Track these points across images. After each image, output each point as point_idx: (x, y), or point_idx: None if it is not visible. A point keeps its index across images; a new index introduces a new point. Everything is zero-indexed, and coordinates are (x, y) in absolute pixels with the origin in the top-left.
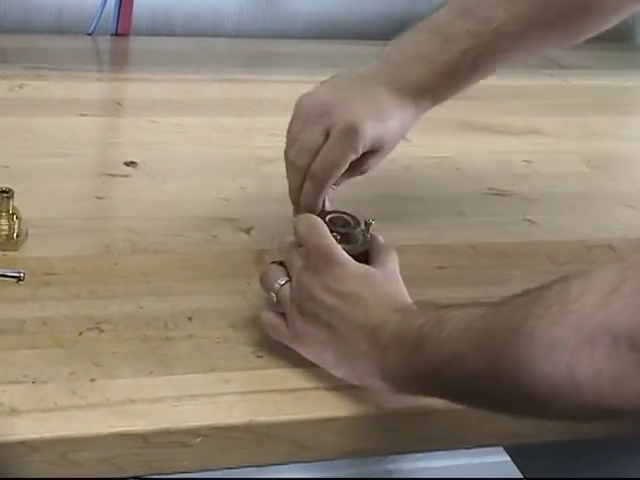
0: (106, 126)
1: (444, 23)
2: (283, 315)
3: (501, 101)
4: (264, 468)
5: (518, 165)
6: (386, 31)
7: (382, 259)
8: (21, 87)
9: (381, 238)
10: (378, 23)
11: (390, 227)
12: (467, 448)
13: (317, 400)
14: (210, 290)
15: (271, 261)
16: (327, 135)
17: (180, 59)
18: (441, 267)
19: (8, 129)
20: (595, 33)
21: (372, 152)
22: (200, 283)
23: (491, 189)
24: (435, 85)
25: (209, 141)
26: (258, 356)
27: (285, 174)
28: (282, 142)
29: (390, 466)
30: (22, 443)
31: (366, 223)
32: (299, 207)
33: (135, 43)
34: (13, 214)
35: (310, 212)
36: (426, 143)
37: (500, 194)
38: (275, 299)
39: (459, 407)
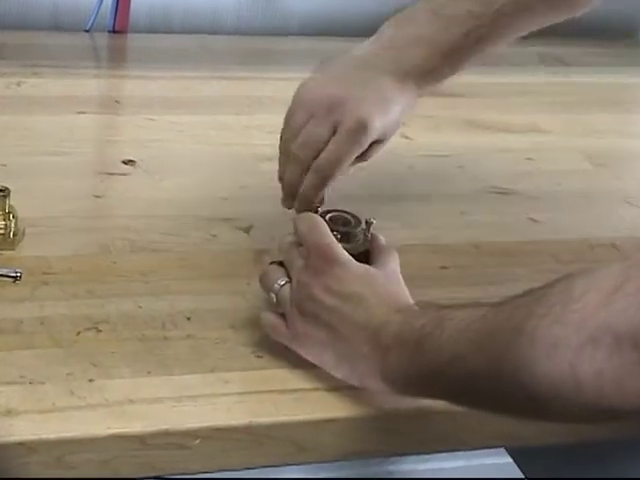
0: (104, 124)
1: (444, 3)
2: (283, 316)
3: (504, 99)
4: (264, 469)
5: (521, 163)
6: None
7: (383, 259)
8: (18, 84)
9: (382, 238)
10: (375, 20)
11: (391, 226)
12: (468, 450)
13: (317, 401)
14: (209, 290)
15: (271, 261)
16: (334, 130)
17: (178, 56)
18: (443, 267)
19: (5, 127)
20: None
21: (376, 142)
22: (199, 283)
23: (494, 188)
24: (437, 67)
25: (208, 139)
26: (257, 356)
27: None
28: None
29: (391, 468)
30: (19, 444)
31: (367, 222)
32: (292, 199)
33: (133, 40)
34: (10, 213)
35: (308, 205)
36: (428, 141)
37: (503, 193)
38: (275, 300)
39: (460, 408)
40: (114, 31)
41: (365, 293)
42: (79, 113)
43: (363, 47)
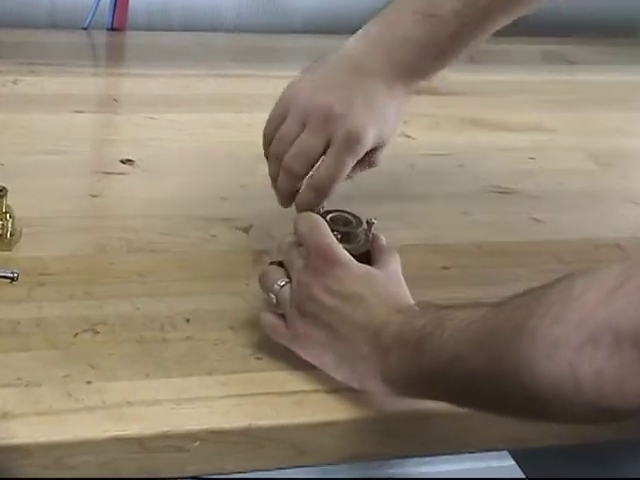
0: (102, 123)
1: (431, 3)
2: (283, 316)
3: (506, 97)
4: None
5: (523, 162)
6: None
7: (384, 260)
8: (15, 83)
9: (383, 238)
10: None
11: (392, 226)
12: (471, 452)
13: (317, 403)
14: (208, 291)
15: (270, 261)
16: (328, 143)
17: (177, 54)
18: (445, 267)
19: (1, 126)
20: None
21: (375, 148)
22: (198, 284)
23: (495, 187)
24: (425, 67)
25: (207, 138)
26: (257, 358)
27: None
28: None
29: (391, 471)
30: (16, 447)
31: (368, 222)
32: (289, 202)
33: (131, 38)
34: (6, 213)
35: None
36: (429, 140)
37: (505, 192)
38: (274, 300)
39: (462, 410)
40: (112, 29)
41: (365, 293)
42: (77, 112)
43: (351, 46)
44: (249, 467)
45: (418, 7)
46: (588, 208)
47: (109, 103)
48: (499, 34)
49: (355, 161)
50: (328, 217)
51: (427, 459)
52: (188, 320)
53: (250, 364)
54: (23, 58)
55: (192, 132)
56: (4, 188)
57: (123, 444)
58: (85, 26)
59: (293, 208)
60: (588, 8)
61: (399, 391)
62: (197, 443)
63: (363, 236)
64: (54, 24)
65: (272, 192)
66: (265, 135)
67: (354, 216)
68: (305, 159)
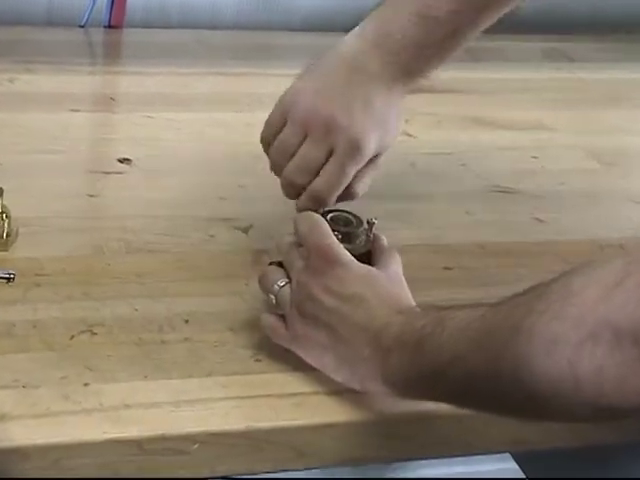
0: (99, 121)
1: (427, 3)
2: (283, 317)
3: (508, 95)
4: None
5: (525, 162)
6: None
7: (385, 260)
8: (11, 81)
9: (384, 239)
10: None
11: (393, 226)
12: (473, 454)
13: (317, 405)
14: (207, 292)
15: (270, 262)
16: (330, 153)
17: (176, 52)
18: (447, 268)
19: None
20: None
21: (378, 154)
22: (197, 284)
23: (497, 187)
24: (424, 67)
25: (206, 137)
26: (257, 360)
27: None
28: None
29: (392, 474)
30: (13, 450)
31: (369, 222)
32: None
33: (129, 35)
34: (3, 213)
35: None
36: (431, 139)
37: (507, 192)
38: (274, 301)
39: (463, 411)
40: (110, 26)
41: (366, 294)
42: (74, 110)
43: (349, 45)
44: (248, 470)
45: (413, 8)
46: (591, 208)
47: (106, 102)
48: (499, 31)
49: (356, 170)
50: (328, 217)
51: (428, 462)
52: (187, 321)
53: (250, 366)
54: (19, 56)
55: (191, 131)
56: (0, 188)
57: (121, 446)
58: (82, 24)
59: (293, 207)
60: (589, 4)
61: (400, 392)
62: (196, 445)
63: (364, 236)
64: (51, 22)
65: (272, 192)
66: (263, 138)
67: (354, 216)
68: (307, 171)
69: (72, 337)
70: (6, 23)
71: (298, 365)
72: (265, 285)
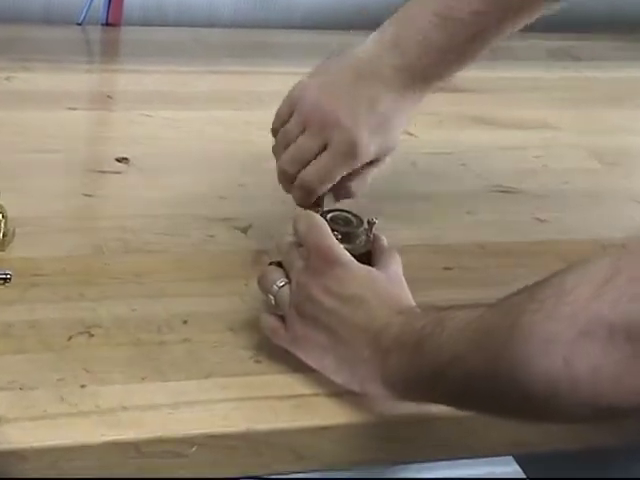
0: (96, 120)
1: (449, 4)
2: (283, 318)
3: (511, 94)
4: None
5: (527, 161)
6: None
7: (385, 261)
8: (7, 79)
9: (384, 239)
10: (382, 13)
11: (393, 226)
12: (474, 457)
13: (317, 407)
14: (206, 292)
15: (270, 262)
16: (325, 147)
17: (174, 50)
18: (447, 268)
19: None
20: None
21: (381, 157)
22: (196, 285)
23: (498, 186)
24: (444, 71)
25: (205, 136)
26: (256, 361)
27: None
28: None
29: (392, 475)
30: (9, 452)
31: (369, 222)
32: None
33: (126, 33)
34: None
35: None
36: (432, 138)
37: (508, 191)
38: (273, 302)
39: (464, 414)
40: (107, 24)
41: (366, 295)
42: (71, 109)
43: (366, 48)
44: (248, 472)
45: (436, 9)
46: (593, 208)
47: (104, 100)
48: None
49: (349, 169)
50: (328, 217)
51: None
52: (186, 322)
53: (249, 367)
54: (17, 54)
55: (189, 130)
56: None
57: (119, 449)
58: (80, 21)
59: (293, 207)
60: (594, 3)
61: (400, 394)
62: (194, 448)
63: (364, 236)
64: (48, 19)
65: (272, 192)
66: (272, 129)
67: (354, 215)
68: (299, 161)
69: (70, 338)
70: (3, 21)
71: (298, 366)
72: (264, 285)
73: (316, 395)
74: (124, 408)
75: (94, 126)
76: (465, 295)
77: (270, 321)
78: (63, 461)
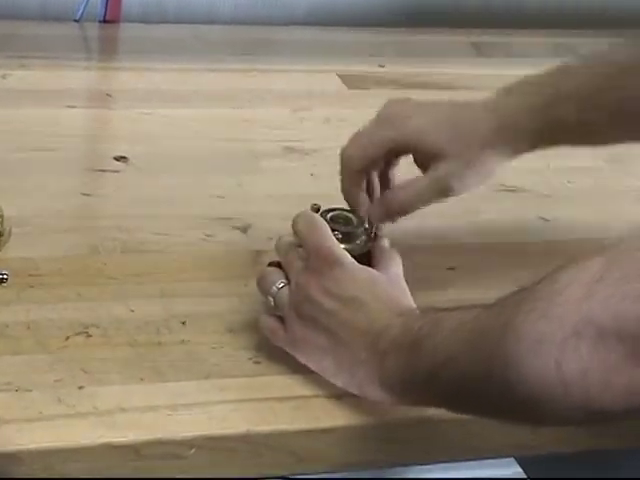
0: (95, 118)
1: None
2: (282, 319)
3: None
4: None
5: (531, 160)
6: (391, 17)
7: (385, 262)
8: (4, 77)
9: (385, 239)
10: (383, 9)
11: (395, 226)
12: (475, 459)
13: (317, 409)
14: (205, 292)
15: (269, 262)
16: (386, 144)
17: (173, 47)
18: (450, 268)
19: None
20: None
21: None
22: (194, 285)
23: (503, 185)
24: (544, 147)
25: (204, 134)
26: (255, 362)
27: (282, 170)
28: (281, 135)
29: (392, 475)
30: (6, 455)
31: (370, 222)
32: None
33: (125, 30)
34: None
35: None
36: None
37: (512, 190)
38: (272, 303)
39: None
40: (105, 21)
41: (366, 298)
42: (68, 107)
43: (475, 112)
44: (247, 474)
45: (577, 97)
46: (598, 207)
47: (102, 98)
48: (507, 26)
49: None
50: (328, 216)
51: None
52: (184, 323)
53: (248, 368)
54: (13, 51)
55: (189, 129)
56: None
57: (117, 451)
58: (77, 18)
59: (293, 207)
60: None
61: (397, 397)
62: (193, 450)
63: (364, 236)
64: (45, 16)
65: (271, 191)
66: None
67: (355, 215)
68: (356, 141)
69: (67, 339)
70: (0, 18)
71: (298, 367)
72: (263, 286)
73: (316, 397)
74: (122, 409)
75: (92, 124)
76: (469, 295)
77: (269, 322)
78: (60, 463)
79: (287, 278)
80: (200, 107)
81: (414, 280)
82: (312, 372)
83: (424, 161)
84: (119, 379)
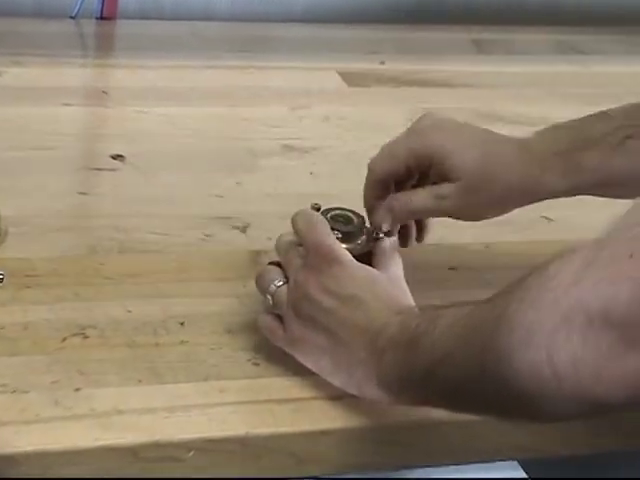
0: (91, 116)
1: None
2: (281, 318)
3: (515, 90)
4: None
5: None
6: (391, 14)
7: (385, 263)
8: None
9: (386, 239)
10: (384, 5)
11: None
12: (477, 462)
13: (317, 411)
14: (203, 293)
15: (269, 262)
16: (412, 160)
17: (170, 44)
18: (452, 268)
19: None
20: None
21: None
22: (193, 285)
23: None
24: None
25: (202, 133)
26: (255, 364)
27: (281, 169)
28: (280, 133)
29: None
30: (2, 457)
31: (371, 223)
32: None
33: (122, 27)
34: None
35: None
36: None
37: None
38: (271, 302)
39: (467, 417)
40: (102, 17)
41: (365, 296)
42: (64, 105)
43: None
44: (246, 477)
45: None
46: (602, 206)
47: (98, 96)
48: (507, 23)
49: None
50: (328, 215)
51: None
52: (182, 324)
53: (248, 370)
54: (8, 48)
55: (186, 126)
56: None
57: (114, 454)
58: (73, 15)
59: (292, 206)
60: None
61: (395, 396)
62: (192, 453)
63: (365, 236)
64: (40, 13)
65: (271, 190)
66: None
67: (356, 214)
68: (385, 152)
69: (64, 340)
70: None
71: (297, 369)
72: (262, 285)
73: (315, 399)
74: (119, 412)
75: (89, 122)
76: (470, 296)
77: (268, 321)
78: (57, 466)
79: (286, 276)
80: (197, 105)
81: (415, 280)
82: (311, 374)
83: (437, 178)
84: (116, 381)
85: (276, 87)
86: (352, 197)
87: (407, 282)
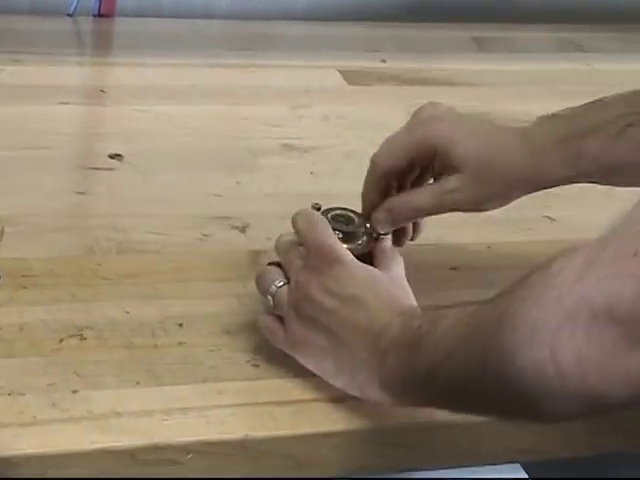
0: (89, 115)
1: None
2: (282, 319)
3: (517, 88)
4: None
5: None
6: (392, 12)
7: (387, 263)
8: None
9: (388, 239)
10: (385, 3)
11: None
12: (479, 465)
13: (318, 413)
14: (202, 293)
15: (269, 262)
16: (413, 152)
17: (169, 42)
18: (453, 268)
19: None
20: None
21: None
22: (191, 286)
23: None
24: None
25: (201, 132)
26: (254, 365)
27: (281, 168)
28: (280, 132)
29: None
30: (1, 460)
31: (372, 224)
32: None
33: (120, 25)
34: None
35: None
36: None
37: None
38: (272, 302)
39: (471, 419)
40: (99, 15)
41: (367, 296)
42: (62, 104)
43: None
44: (246, 477)
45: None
46: (604, 206)
47: (96, 94)
48: (508, 21)
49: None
50: (329, 215)
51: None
52: (181, 325)
53: (247, 371)
54: (4, 47)
55: (185, 125)
56: None
57: (111, 456)
58: (70, 12)
59: (292, 205)
60: None
61: (397, 397)
62: (190, 455)
63: (365, 236)
64: (37, 10)
65: (270, 190)
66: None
67: (357, 214)
68: (386, 147)
69: (61, 341)
70: None
71: (297, 371)
72: (262, 286)
73: (316, 401)
74: (117, 414)
75: (86, 121)
76: (472, 296)
77: (268, 322)
78: (54, 468)
79: (287, 277)
80: (197, 103)
81: (416, 280)
82: (312, 375)
83: (441, 170)
84: (114, 383)
85: (276, 86)
86: (353, 197)
87: (408, 282)
